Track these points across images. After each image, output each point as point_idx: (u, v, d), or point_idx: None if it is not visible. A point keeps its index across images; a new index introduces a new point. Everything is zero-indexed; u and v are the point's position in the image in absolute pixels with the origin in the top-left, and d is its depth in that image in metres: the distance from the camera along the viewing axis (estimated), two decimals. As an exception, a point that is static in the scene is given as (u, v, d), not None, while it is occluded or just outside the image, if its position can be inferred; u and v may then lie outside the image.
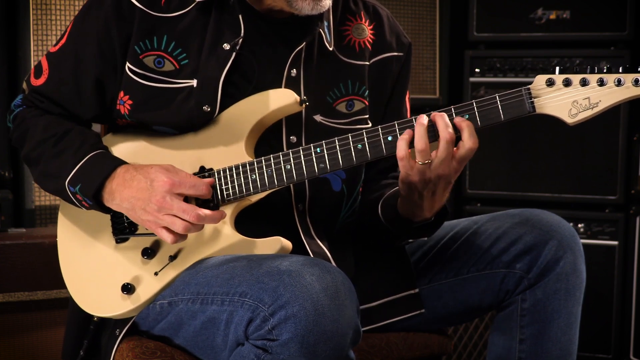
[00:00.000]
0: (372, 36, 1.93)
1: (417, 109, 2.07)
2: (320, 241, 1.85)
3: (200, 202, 1.73)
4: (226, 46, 1.79)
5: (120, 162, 1.76)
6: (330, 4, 1.83)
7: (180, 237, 1.69)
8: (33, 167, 1.86)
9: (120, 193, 1.71)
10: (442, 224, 1.86)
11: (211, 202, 1.74)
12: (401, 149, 1.67)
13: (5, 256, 2.61)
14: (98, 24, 1.80)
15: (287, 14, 1.82)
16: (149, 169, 1.70)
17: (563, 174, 3.45)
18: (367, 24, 1.93)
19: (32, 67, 1.92)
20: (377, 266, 1.94)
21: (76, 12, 2.90)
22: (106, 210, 1.78)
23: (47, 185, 1.85)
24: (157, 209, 1.67)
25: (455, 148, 1.66)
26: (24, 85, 1.92)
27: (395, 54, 1.96)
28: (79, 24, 1.85)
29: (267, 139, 1.81)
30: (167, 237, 1.69)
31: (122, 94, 1.82)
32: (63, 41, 1.86)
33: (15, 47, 2.89)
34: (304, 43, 1.81)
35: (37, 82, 1.88)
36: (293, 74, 1.82)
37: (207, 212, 1.66)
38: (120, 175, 1.72)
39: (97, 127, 1.98)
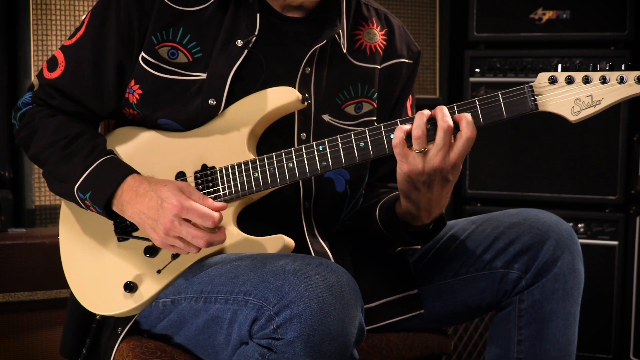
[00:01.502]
0: (383, 41, 1.94)
1: (418, 110, 2.06)
2: (322, 240, 1.86)
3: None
4: (239, 42, 1.79)
5: (130, 171, 1.75)
6: (340, 10, 1.85)
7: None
8: (42, 167, 1.86)
9: (132, 207, 1.71)
10: (438, 233, 1.85)
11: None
12: (397, 136, 1.65)
13: (5, 256, 2.61)
14: (119, 13, 1.80)
15: (304, 12, 1.84)
16: (162, 187, 1.69)
17: (563, 174, 3.45)
18: (378, 29, 1.94)
19: (45, 62, 1.90)
20: (376, 267, 1.94)
21: (76, 12, 2.93)
22: (114, 217, 1.78)
23: (54, 188, 1.84)
24: (164, 231, 1.67)
25: (453, 140, 1.65)
26: (34, 81, 1.90)
27: (406, 60, 1.97)
28: (97, 14, 1.84)
29: (279, 135, 1.81)
30: (179, 250, 1.71)
31: (132, 82, 1.82)
32: (81, 33, 1.85)
33: (15, 47, 2.90)
34: (324, 42, 1.82)
35: (52, 76, 1.86)
36: (307, 72, 1.83)
37: (215, 237, 1.66)
38: (133, 187, 1.72)
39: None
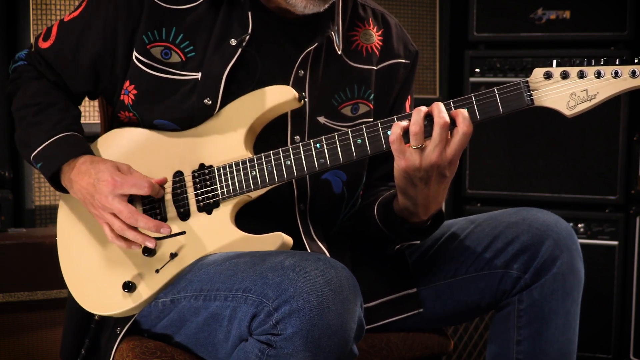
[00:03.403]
0: (380, 42, 1.94)
1: (417, 108, 2.07)
2: (320, 242, 1.86)
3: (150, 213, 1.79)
4: (233, 42, 1.79)
5: (83, 151, 1.81)
6: (334, 10, 1.85)
7: (122, 240, 1.75)
8: (16, 126, 1.92)
9: (76, 183, 1.77)
10: (437, 228, 1.85)
11: (158, 214, 1.79)
12: (394, 132, 1.66)
13: (5, 256, 2.61)
14: (108, 8, 1.83)
15: (296, 13, 1.83)
16: (101, 165, 1.75)
17: (563, 174, 3.45)
18: (375, 30, 1.94)
19: (45, 27, 1.97)
20: (375, 266, 1.94)
21: (76, 12, 2.93)
22: (63, 191, 1.84)
23: (21, 151, 1.91)
24: (101, 206, 1.73)
25: (450, 137, 1.65)
26: (32, 41, 1.97)
27: (403, 60, 1.97)
28: (92, 3, 1.88)
29: (273, 137, 1.82)
30: (108, 233, 1.76)
31: (127, 83, 1.83)
32: (75, 14, 1.91)
33: (15, 47, 2.90)
34: (316, 44, 1.82)
35: (43, 45, 1.93)
36: (300, 75, 1.83)
37: (142, 216, 1.71)
38: (78, 166, 1.78)
39: (97, 127, 1.99)
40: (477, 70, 3.55)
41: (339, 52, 1.87)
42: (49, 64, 1.92)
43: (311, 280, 1.50)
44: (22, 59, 1.96)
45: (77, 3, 2.93)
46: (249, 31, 1.80)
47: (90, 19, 1.87)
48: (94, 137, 1.94)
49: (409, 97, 2.00)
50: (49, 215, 2.98)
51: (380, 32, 1.95)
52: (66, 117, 1.86)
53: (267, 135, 1.81)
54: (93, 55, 1.86)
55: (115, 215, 1.72)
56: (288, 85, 1.81)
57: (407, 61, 1.97)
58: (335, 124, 1.87)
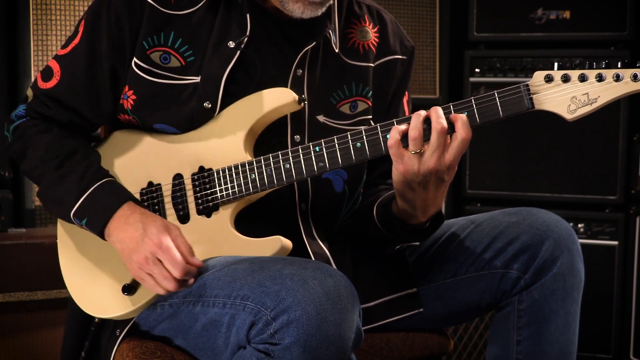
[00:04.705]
0: (376, 39, 1.94)
1: (417, 109, 2.07)
2: (321, 242, 1.85)
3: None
4: (231, 44, 1.79)
5: (125, 198, 1.75)
6: (331, 9, 1.84)
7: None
8: (36, 184, 1.85)
9: (117, 234, 1.71)
10: (436, 229, 1.84)
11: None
12: (392, 137, 1.65)
13: (5, 256, 2.61)
14: (110, 19, 1.80)
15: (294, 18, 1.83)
16: (151, 221, 1.69)
17: (563, 174, 3.45)
18: (371, 26, 1.94)
19: (39, 73, 1.89)
20: (375, 266, 1.93)
21: (76, 12, 2.93)
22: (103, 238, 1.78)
23: (50, 209, 1.84)
24: (138, 264, 1.67)
25: (448, 141, 1.65)
26: (28, 93, 1.89)
27: (400, 57, 1.96)
28: (90, 23, 1.84)
29: (273, 138, 1.81)
30: (149, 286, 1.70)
31: (126, 88, 1.82)
32: (76, 42, 1.85)
33: (15, 47, 2.90)
34: (313, 43, 1.82)
35: (47, 85, 1.86)
36: (299, 74, 1.83)
37: (183, 285, 1.66)
38: (124, 216, 1.72)
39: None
40: (477, 70, 3.54)
41: (337, 51, 1.87)
42: (60, 102, 1.85)
43: (309, 290, 1.49)
44: (21, 116, 1.88)
45: (77, 3, 2.95)
46: (247, 33, 1.79)
47: (95, 37, 1.82)
48: (94, 138, 1.93)
49: (406, 93, 2.00)
50: (49, 215, 2.97)
51: (376, 29, 1.95)
52: (92, 163, 1.80)
53: (267, 135, 1.81)
54: (110, 71, 1.82)
55: (153, 276, 1.67)
56: (287, 85, 1.81)
57: (403, 57, 1.97)
58: (334, 122, 1.87)
